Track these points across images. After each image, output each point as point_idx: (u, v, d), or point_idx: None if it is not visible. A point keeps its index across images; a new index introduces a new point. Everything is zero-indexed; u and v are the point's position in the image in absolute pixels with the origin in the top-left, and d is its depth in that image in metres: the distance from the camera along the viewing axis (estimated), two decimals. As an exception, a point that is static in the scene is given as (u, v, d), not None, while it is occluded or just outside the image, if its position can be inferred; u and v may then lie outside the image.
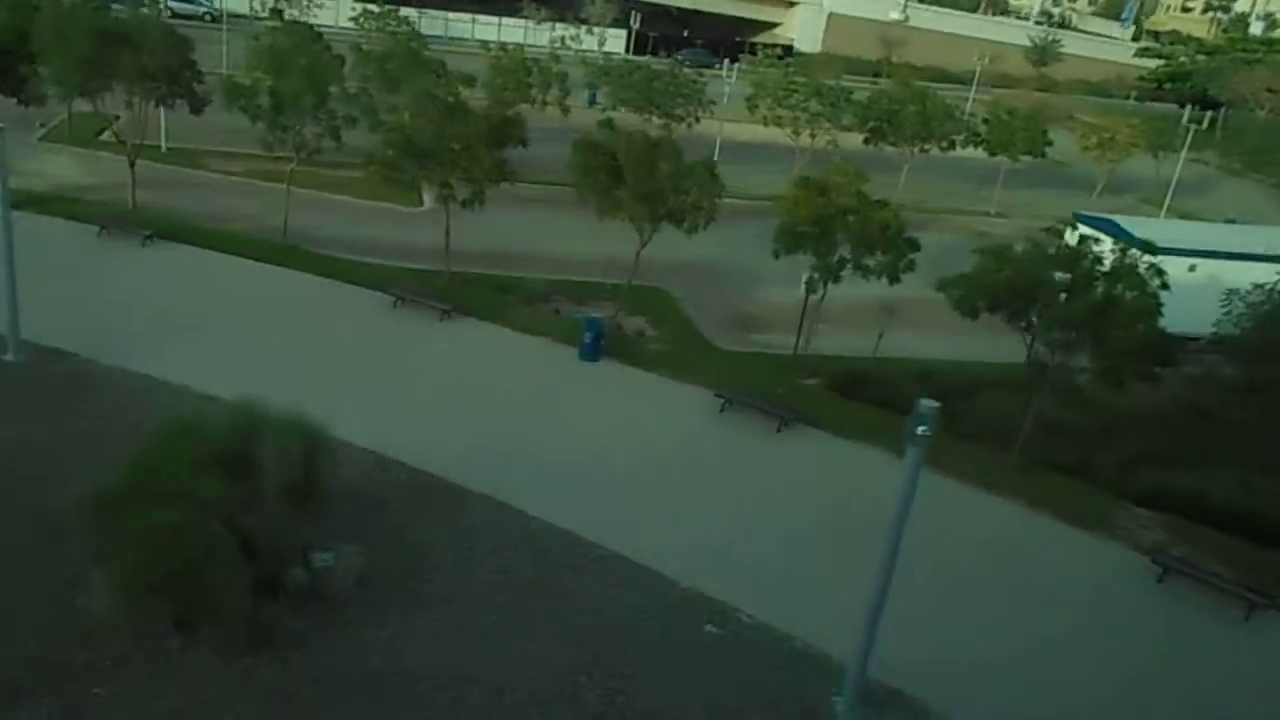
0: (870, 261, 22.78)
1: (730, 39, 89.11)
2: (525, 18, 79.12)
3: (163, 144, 41.13)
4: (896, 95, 45.08)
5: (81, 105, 34.52)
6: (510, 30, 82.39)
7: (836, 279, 23.38)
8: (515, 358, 24.80)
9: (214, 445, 15.40)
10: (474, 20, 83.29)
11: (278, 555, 14.60)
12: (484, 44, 57.56)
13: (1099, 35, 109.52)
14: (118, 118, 42.50)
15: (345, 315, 25.91)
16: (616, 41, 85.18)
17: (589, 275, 31.85)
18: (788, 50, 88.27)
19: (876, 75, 79.51)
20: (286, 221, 30.33)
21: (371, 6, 60.99)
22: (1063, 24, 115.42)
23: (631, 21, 69.00)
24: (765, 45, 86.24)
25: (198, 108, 30.12)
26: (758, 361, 27.02)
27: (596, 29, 79.98)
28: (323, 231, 32.14)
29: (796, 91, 43.79)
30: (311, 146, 27.77)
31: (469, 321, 26.10)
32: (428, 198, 40.21)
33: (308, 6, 60.36)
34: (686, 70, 44.32)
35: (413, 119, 25.12)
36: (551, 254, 33.21)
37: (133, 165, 30.77)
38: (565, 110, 41.93)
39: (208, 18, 63.04)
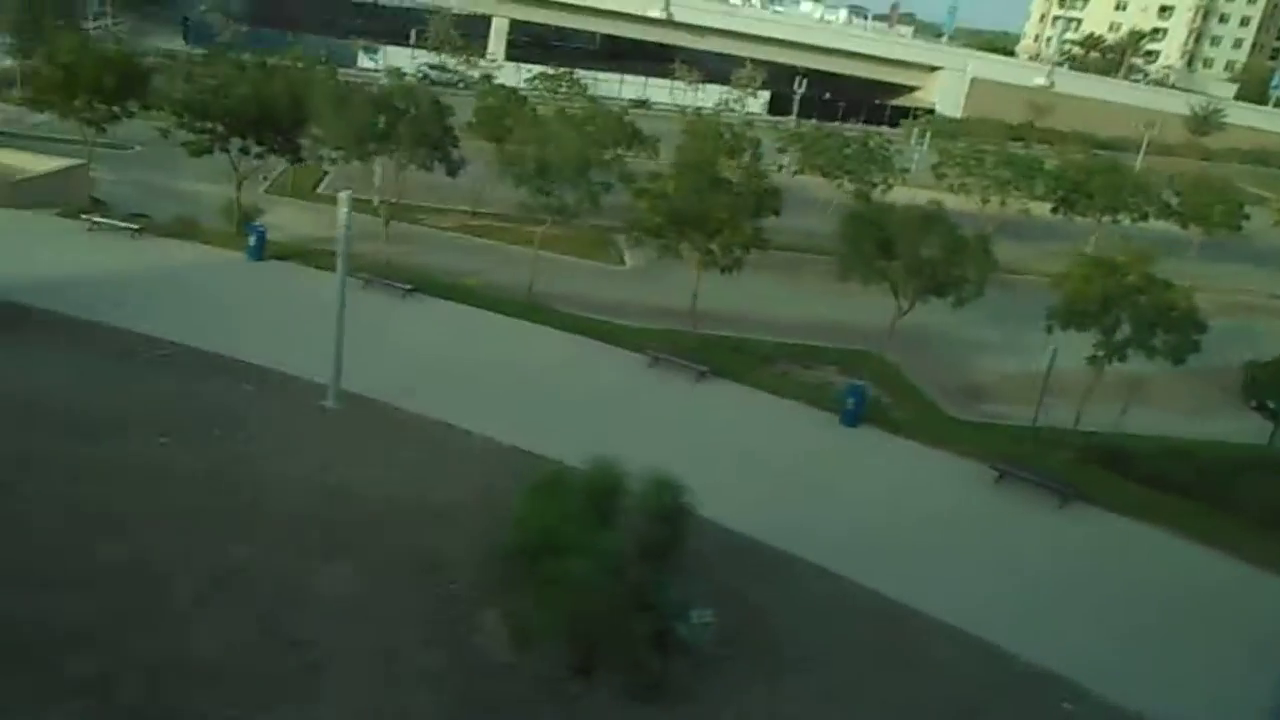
0: (1156, 341, 22.96)
1: (870, 100, 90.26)
2: (676, 79, 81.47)
3: (375, 198, 43.72)
4: (1086, 166, 45.16)
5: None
6: (656, 90, 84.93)
7: (1122, 358, 23.61)
8: (776, 421, 25.45)
9: (587, 501, 16.44)
10: (621, 80, 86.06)
11: (666, 610, 15.40)
12: (639, 103, 59.52)
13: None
14: (326, 172, 45.35)
15: (604, 372, 27.00)
16: (760, 103, 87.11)
17: (807, 338, 32.72)
18: (928, 114, 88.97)
19: (1016, 139, 79.40)
20: (532, 282, 31.85)
21: (547, 69, 63.99)
22: (1160, 83, 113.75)
23: (797, 86, 70.29)
24: (915, 110, 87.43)
25: (453, 170, 32.02)
26: (999, 432, 27.21)
27: (747, 91, 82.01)
28: (539, 287, 33.57)
29: (986, 160, 44.23)
30: (571, 211, 29.27)
31: (723, 383, 26.94)
32: (629, 256, 41.80)
33: (491, 68, 63.36)
34: (877, 137, 45.15)
35: (677, 188, 26.31)
36: (772, 317, 34.09)
37: (387, 224, 32.74)
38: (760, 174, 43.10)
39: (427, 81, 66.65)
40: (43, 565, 15.36)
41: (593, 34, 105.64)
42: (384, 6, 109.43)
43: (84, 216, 31.88)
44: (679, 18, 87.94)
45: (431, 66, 55.80)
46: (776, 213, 27.35)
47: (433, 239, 40.56)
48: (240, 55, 36.83)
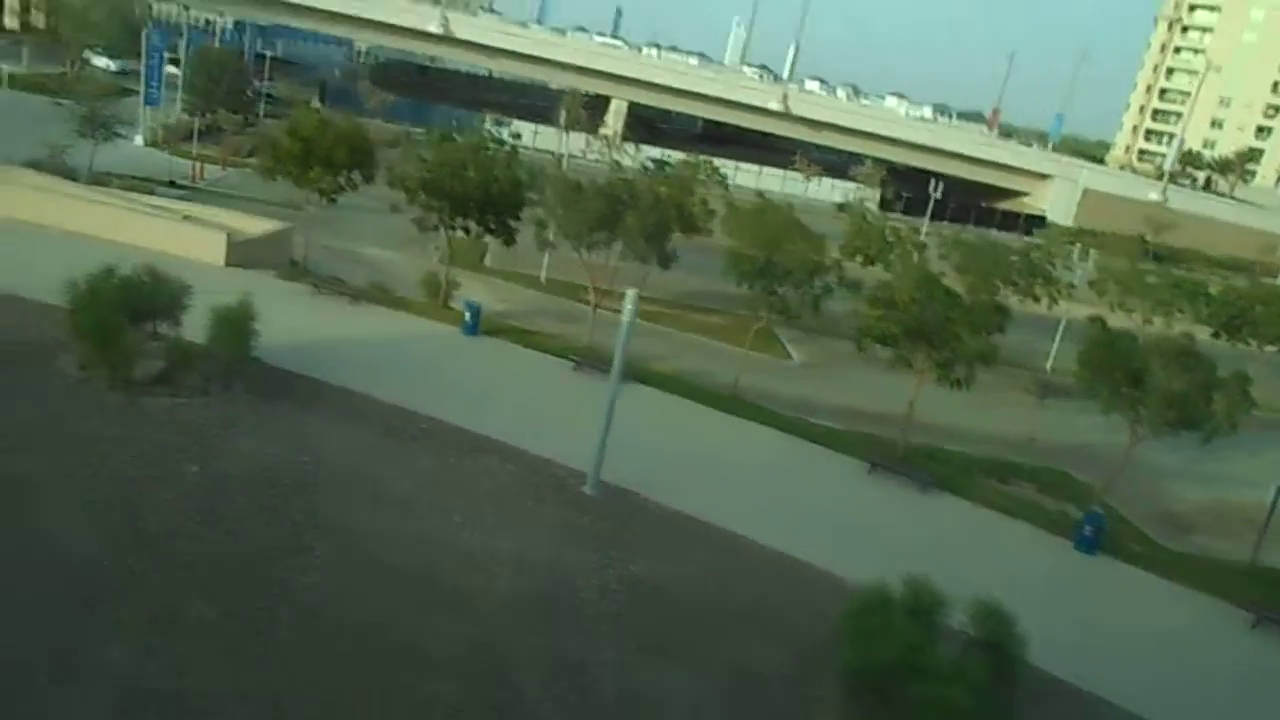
0: None
1: (977, 203, 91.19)
2: (796, 170, 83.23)
3: (543, 275, 45.03)
4: (1251, 293, 45.29)
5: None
6: (769, 179, 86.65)
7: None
8: (1010, 543, 25.55)
9: (915, 623, 16.76)
10: (736, 168, 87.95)
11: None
12: (758, 193, 60.89)
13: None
14: (486, 244, 46.71)
15: (827, 477, 27.37)
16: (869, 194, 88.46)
17: (1000, 451, 32.91)
18: (1039, 220, 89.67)
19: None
20: (738, 377, 32.50)
21: (679, 155, 65.87)
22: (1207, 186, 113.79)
23: (933, 190, 71.38)
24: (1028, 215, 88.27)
25: (665, 263, 33.04)
26: (1218, 569, 27.03)
27: (863, 185, 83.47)
28: (722, 379, 34.17)
29: (1148, 280, 44.51)
30: (793, 313, 30.01)
31: (948, 497, 27.13)
32: (795, 351, 42.46)
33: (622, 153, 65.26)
34: (1037, 250, 45.61)
35: (910, 299, 26.91)
36: (959, 426, 34.36)
37: (595, 309, 33.70)
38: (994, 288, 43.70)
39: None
40: (379, 645, 15.94)
41: (694, 117, 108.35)
42: (514, 83, 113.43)
43: (315, 284, 33.25)
44: (797, 111, 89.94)
45: (655, 161, 57.34)
46: (1002, 330, 27.85)
47: (606, 321, 41.53)
48: (445, 130, 38.39)
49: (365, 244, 44.44)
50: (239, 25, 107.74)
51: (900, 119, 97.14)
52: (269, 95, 68.60)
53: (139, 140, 55.02)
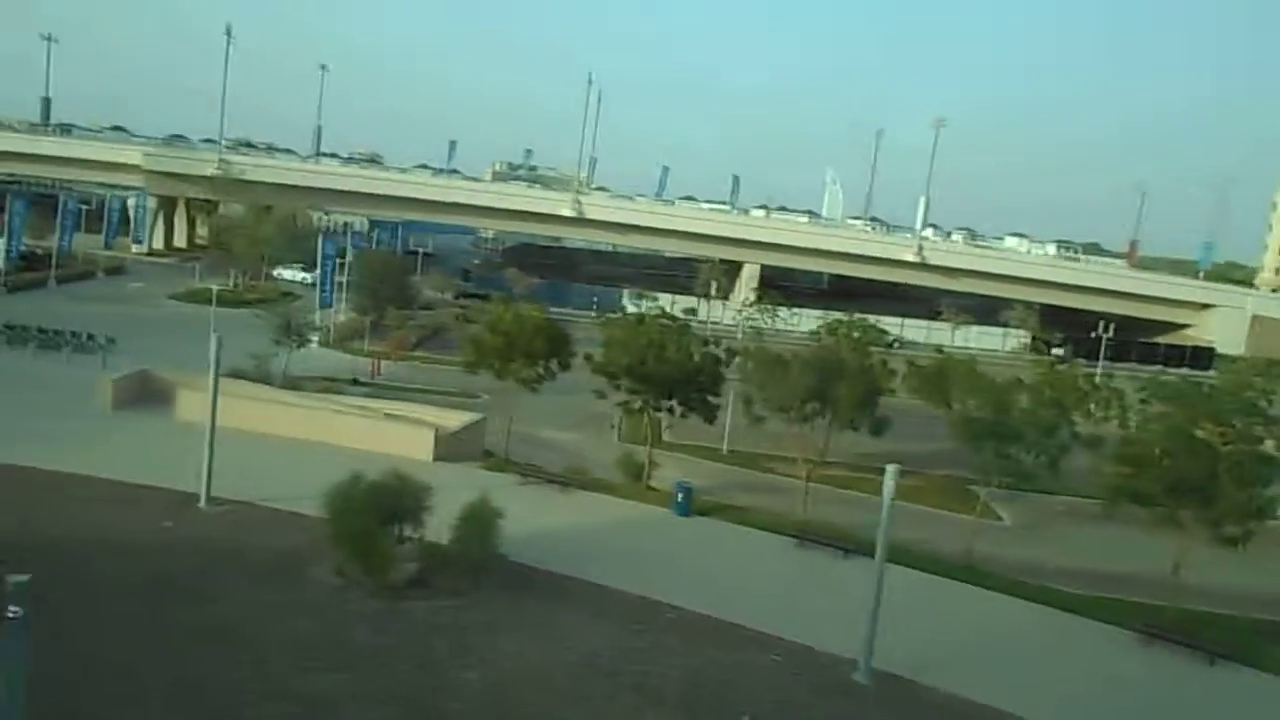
0: None
1: (1135, 338, 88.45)
2: (943, 320, 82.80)
3: (724, 446, 44.98)
4: None
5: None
6: (912, 330, 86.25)
7: None
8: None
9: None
10: (878, 322, 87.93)
11: None
12: (938, 349, 60.08)
13: None
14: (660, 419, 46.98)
15: (1098, 654, 25.53)
16: (1018, 341, 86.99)
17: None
18: (1205, 352, 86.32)
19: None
20: (970, 545, 31.31)
21: (841, 315, 66.32)
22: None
23: (1103, 330, 69.86)
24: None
25: (879, 430, 32.66)
26: None
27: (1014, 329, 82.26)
28: (938, 545, 32.76)
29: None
30: (1028, 473, 29.05)
31: (1238, 669, 24.97)
32: (1005, 514, 40.84)
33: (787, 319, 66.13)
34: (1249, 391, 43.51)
35: (1164, 452, 25.71)
36: (1222, 587, 32.02)
37: (808, 481, 33.28)
38: (1125, 425, 42.11)
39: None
40: None
41: (820, 273, 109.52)
42: (635, 255, 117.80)
43: (521, 473, 33.82)
44: (933, 260, 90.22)
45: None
46: (1271, 480, 26.22)
47: (789, 488, 40.90)
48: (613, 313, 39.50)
49: (541, 426, 45.32)
50: (375, 224, 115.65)
51: (1046, 259, 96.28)
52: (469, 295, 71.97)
53: (315, 342, 58.23)
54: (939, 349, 58.61)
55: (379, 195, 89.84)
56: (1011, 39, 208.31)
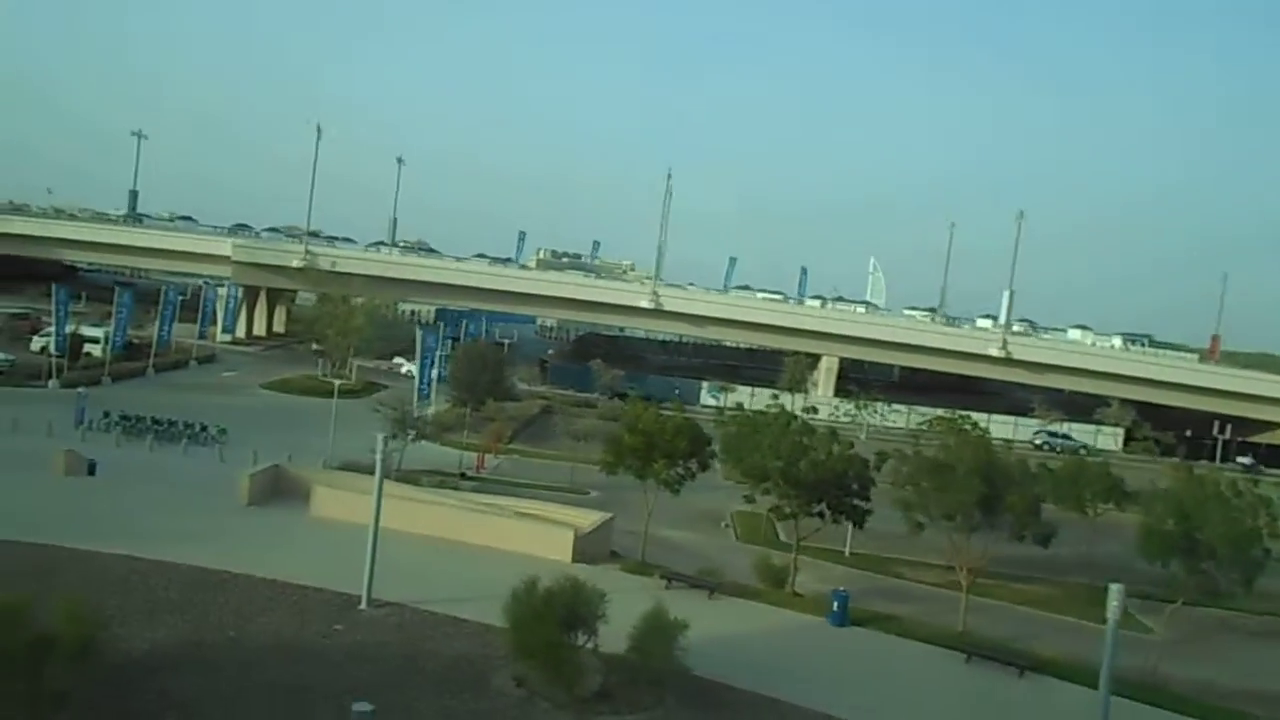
0: None
1: (1234, 439, 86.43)
2: (1035, 417, 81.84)
3: (846, 549, 44.21)
4: None
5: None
6: (999, 425, 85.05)
7: None
8: None
9: None
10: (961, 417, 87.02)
11: None
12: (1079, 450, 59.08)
13: None
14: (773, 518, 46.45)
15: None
16: (1110, 439, 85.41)
17: None
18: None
19: None
20: (1156, 664, 30.23)
21: (940, 411, 65.82)
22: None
23: (1219, 431, 68.47)
24: None
25: (1045, 541, 32.02)
26: None
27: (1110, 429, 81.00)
28: (1091, 659, 31.67)
29: None
30: (1218, 590, 28.21)
31: None
32: (1153, 626, 39.52)
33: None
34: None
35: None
36: None
37: (966, 590, 32.57)
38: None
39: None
40: None
41: (890, 365, 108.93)
42: (702, 345, 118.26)
43: (665, 577, 33.48)
44: (1018, 355, 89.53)
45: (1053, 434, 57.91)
46: None
47: (925, 595, 39.96)
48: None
49: (657, 525, 45.01)
50: (440, 314, 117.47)
51: (1145, 355, 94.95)
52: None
53: (411, 433, 58.67)
54: (1083, 449, 57.33)
55: (461, 286, 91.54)
56: (1078, 136, 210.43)
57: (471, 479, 50.64)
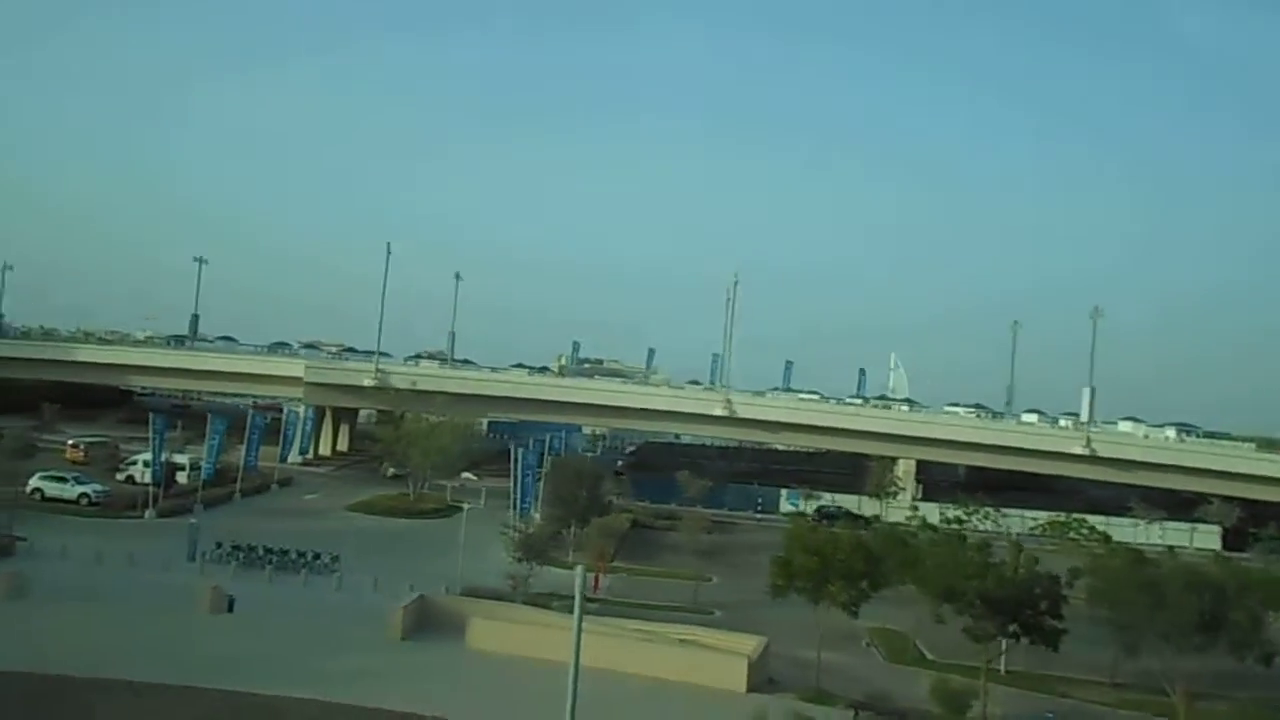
0: None
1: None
2: (1134, 517, 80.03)
3: (1002, 666, 42.58)
4: None
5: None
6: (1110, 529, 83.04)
7: None
8: None
9: None
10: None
11: None
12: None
13: None
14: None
15: None
16: (1208, 537, 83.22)
17: None
18: None
19: None
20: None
21: (1059, 516, 64.78)
22: None
23: None
24: None
25: (1269, 659, 30.63)
26: None
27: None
28: None
29: None
30: None
31: None
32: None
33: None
34: None
35: None
36: None
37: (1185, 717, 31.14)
38: None
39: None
40: None
41: (957, 466, 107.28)
42: (761, 450, 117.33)
43: (855, 709, 32.24)
44: (1103, 453, 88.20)
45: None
46: None
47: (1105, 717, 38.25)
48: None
49: (796, 646, 43.66)
50: (492, 425, 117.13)
51: (1244, 450, 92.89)
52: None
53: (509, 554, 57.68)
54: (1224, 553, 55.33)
55: (530, 399, 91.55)
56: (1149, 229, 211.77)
57: (593, 600, 49.48)
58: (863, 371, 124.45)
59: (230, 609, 38.34)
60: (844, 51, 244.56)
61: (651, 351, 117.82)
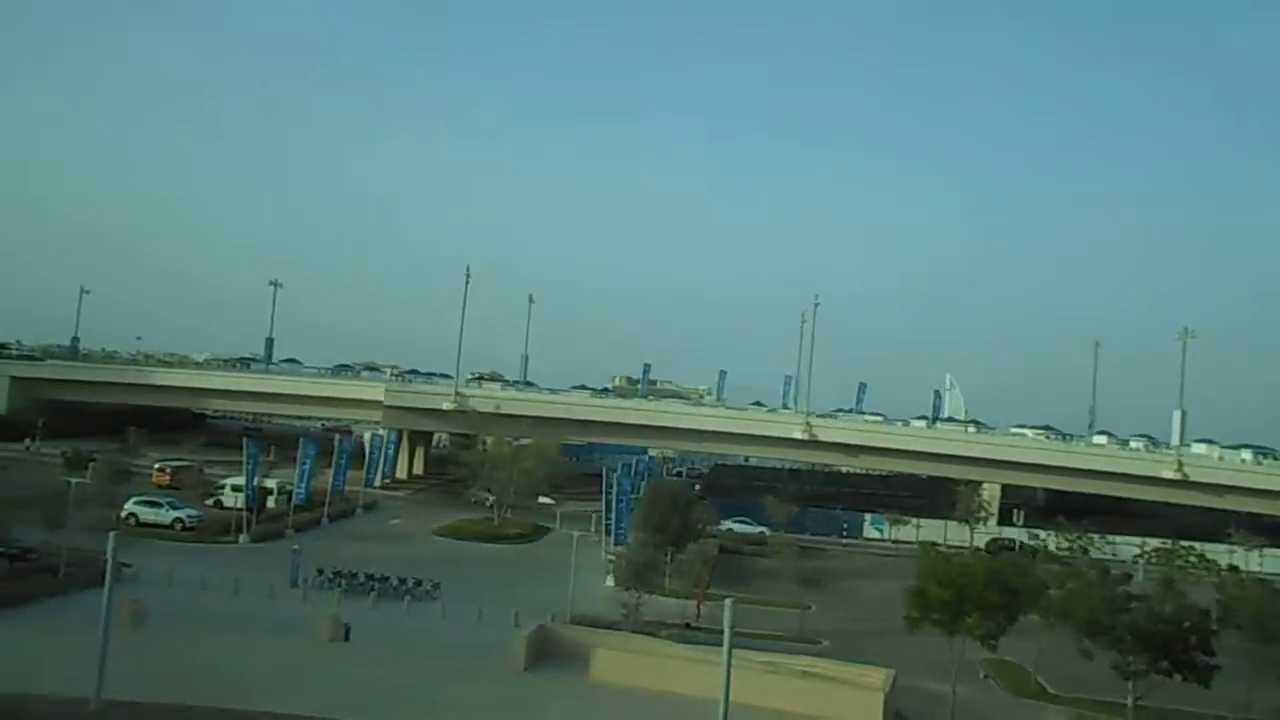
0: None
1: None
2: (1230, 543, 77.58)
3: (1129, 701, 41.11)
4: None
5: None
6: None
7: None
8: None
9: None
10: (1143, 544, 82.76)
11: None
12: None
13: None
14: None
15: None
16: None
17: None
18: None
19: None
20: None
21: (1163, 543, 62.86)
22: None
23: None
24: None
25: None
26: None
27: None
28: None
29: None
30: None
31: None
32: None
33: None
34: None
35: None
36: None
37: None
38: None
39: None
40: None
41: (1035, 489, 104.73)
42: (852, 474, 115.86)
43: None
44: (1195, 477, 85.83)
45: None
46: None
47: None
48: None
49: (912, 677, 42.60)
50: (565, 448, 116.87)
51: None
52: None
53: (610, 581, 57.01)
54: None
55: (606, 423, 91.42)
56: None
57: (696, 629, 48.82)
58: (938, 394, 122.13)
59: (346, 637, 38.32)
60: (912, 71, 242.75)
61: (723, 374, 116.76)
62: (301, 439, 70.59)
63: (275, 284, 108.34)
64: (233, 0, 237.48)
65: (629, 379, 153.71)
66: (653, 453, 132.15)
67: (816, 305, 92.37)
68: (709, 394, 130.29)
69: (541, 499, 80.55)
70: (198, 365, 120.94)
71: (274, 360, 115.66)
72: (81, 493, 51.49)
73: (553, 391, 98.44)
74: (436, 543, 68.19)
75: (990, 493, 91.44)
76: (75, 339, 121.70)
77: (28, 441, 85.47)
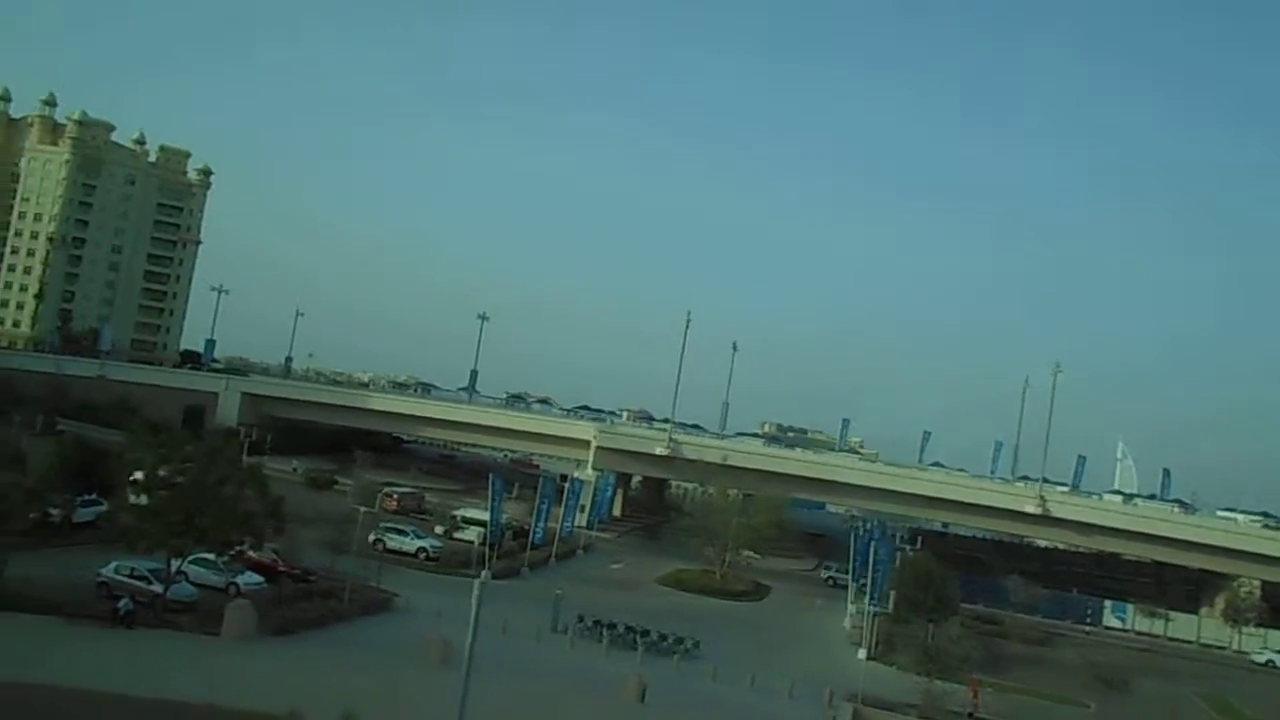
0: None
1: None
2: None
3: None
4: None
5: None
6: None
7: None
8: None
9: None
10: None
11: None
12: None
13: None
14: None
15: None
16: None
17: None
18: None
19: None
20: None
21: None
22: None
23: None
24: None
25: None
26: None
27: None
28: None
29: None
30: None
31: None
32: None
33: None
34: None
35: None
36: None
37: None
38: None
39: None
40: None
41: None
42: (1063, 551, 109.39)
43: None
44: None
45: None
46: None
47: None
48: None
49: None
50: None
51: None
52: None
53: (860, 654, 54.11)
54: None
55: (811, 479, 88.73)
56: None
57: (978, 720, 45.53)
58: (1166, 472, 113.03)
59: (642, 699, 37.10)
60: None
61: (846, 422, 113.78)
62: (541, 478, 70.78)
63: (483, 317, 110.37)
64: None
65: (778, 425, 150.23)
66: (830, 508, 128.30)
67: (1057, 373, 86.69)
68: (861, 445, 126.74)
69: (748, 554, 78.21)
70: (397, 387, 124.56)
71: (432, 385, 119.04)
72: (331, 512, 52.89)
73: (779, 445, 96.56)
74: (662, 592, 66.89)
75: (1249, 587, 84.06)
76: (289, 359, 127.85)
77: (294, 464, 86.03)
